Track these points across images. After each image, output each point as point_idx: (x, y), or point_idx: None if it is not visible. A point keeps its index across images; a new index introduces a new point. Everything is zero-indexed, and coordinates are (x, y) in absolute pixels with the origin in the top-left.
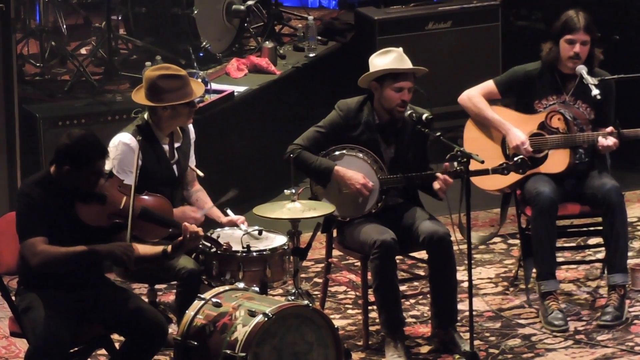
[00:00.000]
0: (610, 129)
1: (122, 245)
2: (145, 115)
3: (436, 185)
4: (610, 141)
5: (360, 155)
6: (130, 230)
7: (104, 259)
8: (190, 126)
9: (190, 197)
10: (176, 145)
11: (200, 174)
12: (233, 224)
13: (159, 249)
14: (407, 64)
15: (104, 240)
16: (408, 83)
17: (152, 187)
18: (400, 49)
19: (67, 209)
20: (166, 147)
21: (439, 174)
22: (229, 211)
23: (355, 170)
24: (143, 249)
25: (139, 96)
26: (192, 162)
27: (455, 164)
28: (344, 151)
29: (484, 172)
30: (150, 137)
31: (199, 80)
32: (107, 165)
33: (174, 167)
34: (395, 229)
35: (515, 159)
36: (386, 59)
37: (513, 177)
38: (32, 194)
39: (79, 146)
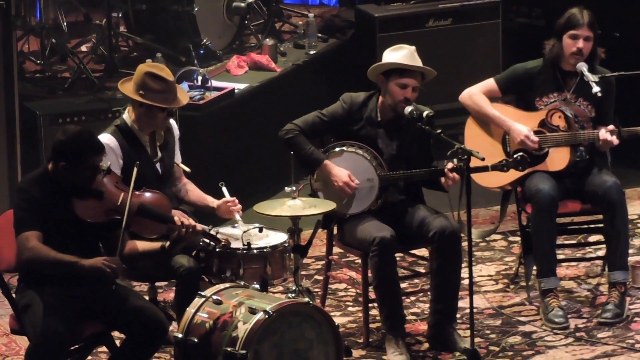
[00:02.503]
0: (611, 127)
1: (108, 260)
2: (124, 115)
3: (443, 180)
4: (611, 135)
5: (360, 151)
6: (125, 226)
7: (88, 273)
8: (173, 123)
9: (180, 192)
10: (158, 143)
11: (187, 169)
12: (227, 208)
13: (157, 244)
14: (416, 62)
15: (102, 236)
16: (413, 81)
17: (137, 187)
18: (413, 47)
19: (65, 205)
20: (147, 146)
21: (447, 172)
22: (224, 189)
23: (353, 167)
24: (142, 245)
25: (125, 86)
26: (178, 158)
27: (456, 160)
28: (344, 147)
29: (484, 169)
30: (131, 137)
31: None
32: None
33: (157, 165)
34: (396, 225)
35: (515, 155)
36: (396, 54)
37: (514, 174)
38: (30, 191)
39: (74, 142)
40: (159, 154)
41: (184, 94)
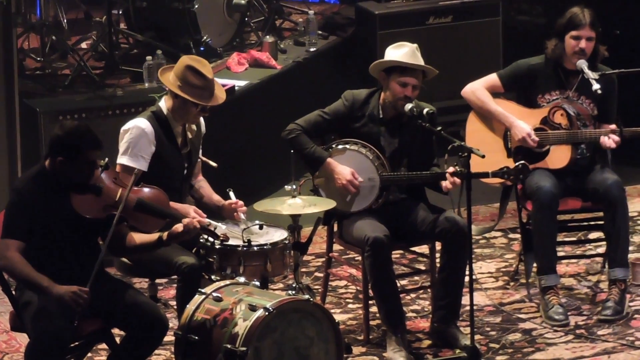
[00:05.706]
0: (612, 126)
1: (76, 294)
2: (160, 103)
3: (443, 184)
4: (612, 141)
5: (363, 150)
6: (117, 220)
7: (53, 298)
8: (202, 120)
9: (192, 188)
10: (189, 136)
11: (213, 164)
12: (232, 210)
13: (154, 236)
14: (418, 60)
15: (101, 232)
16: (414, 80)
17: (162, 176)
18: (415, 45)
19: (63, 202)
20: (179, 137)
21: (448, 176)
22: (231, 193)
23: (356, 166)
24: (139, 237)
25: (165, 75)
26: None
27: (457, 165)
28: (347, 146)
29: (484, 175)
30: (165, 124)
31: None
32: (121, 148)
33: (185, 157)
34: (397, 223)
35: (517, 164)
36: (398, 52)
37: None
38: (23, 191)
39: (71, 137)
40: (188, 146)
41: (222, 91)
